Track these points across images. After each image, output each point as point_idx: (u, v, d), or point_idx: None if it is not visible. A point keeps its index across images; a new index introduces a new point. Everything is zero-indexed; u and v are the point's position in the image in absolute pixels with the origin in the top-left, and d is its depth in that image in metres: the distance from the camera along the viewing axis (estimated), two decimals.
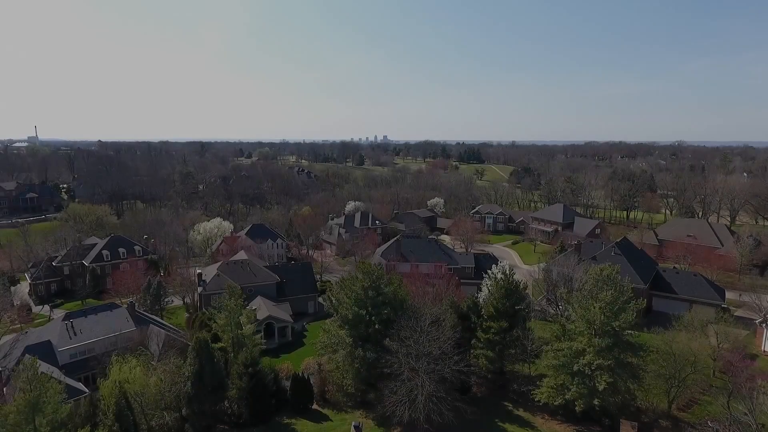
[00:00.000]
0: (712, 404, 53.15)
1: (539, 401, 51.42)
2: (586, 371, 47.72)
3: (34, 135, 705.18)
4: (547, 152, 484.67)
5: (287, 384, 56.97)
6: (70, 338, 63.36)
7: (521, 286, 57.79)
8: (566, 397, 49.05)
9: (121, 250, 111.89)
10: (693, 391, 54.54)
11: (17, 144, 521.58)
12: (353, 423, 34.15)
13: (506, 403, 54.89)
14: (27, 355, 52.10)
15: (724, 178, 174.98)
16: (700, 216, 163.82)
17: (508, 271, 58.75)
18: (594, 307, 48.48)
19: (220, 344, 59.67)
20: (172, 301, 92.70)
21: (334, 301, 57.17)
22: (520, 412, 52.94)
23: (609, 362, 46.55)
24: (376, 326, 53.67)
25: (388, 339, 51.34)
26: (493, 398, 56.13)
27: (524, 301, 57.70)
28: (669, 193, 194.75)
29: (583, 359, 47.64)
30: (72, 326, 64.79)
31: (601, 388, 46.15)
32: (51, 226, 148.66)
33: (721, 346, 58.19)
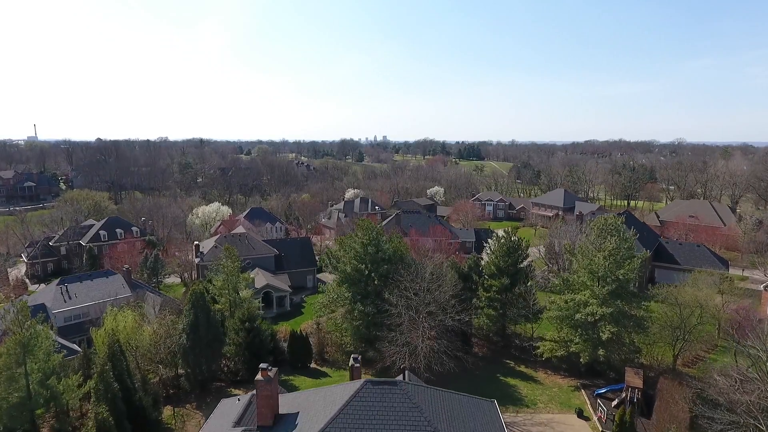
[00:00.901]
0: (718, 361, 52.19)
1: (542, 356, 50.38)
2: (589, 320, 46.81)
3: (34, 135, 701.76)
4: (546, 150, 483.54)
5: (285, 345, 56.00)
6: (65, 301, 62.48)
7: (523, 244, 56.79)
8: (570, 349, 48.09)
9: (119, 230, 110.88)
10: (698, 348, 53.61)
11: (16, 142, 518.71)
12: (352, 355, 33.18)
13: (508, 361, 53.93)
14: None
15: (725, 164, 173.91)
16: None
17: (509, 231, 57.74)
18: (598, 257, 47.60)
19: (217, 306, 58.63)
20: (169, 276, 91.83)
21: (332, 260, 56.22)
22: (522, 369, 52.00)
23: (612, 310, 45.56)
24: (376, 282, 52.81)
25: (387, 293, 50.38)
26: (495, 357, 55.17)
27: (526, 260, 56.71)
28: (670, 186, 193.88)
29: (586, 309, 46.70)
30: (67, 290, 63.93)
31: (605, 337, 45.18)
32: (49, 212, 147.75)
33: (725, 306, 57.20)
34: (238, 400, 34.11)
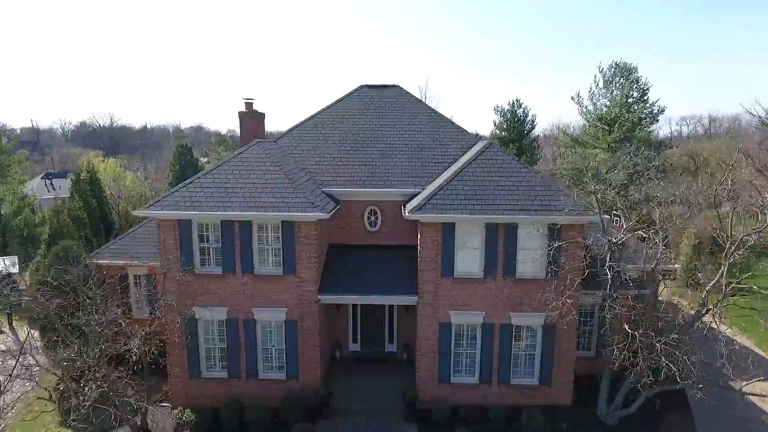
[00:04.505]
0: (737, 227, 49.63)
1: None
2: (601, 172, 44.05)
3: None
4: (546, 141, 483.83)
5: None
6: (48, 192, 59.92)
7: (530, 117, 53.97)
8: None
9: None
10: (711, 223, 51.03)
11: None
12: None
13: None
14: None
15: (731, 117, 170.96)
16: None
17: (515, 102, 54.59)
18: (606, 105, 44.98)
19: None
20: None
21: None
22: None
23: (625, 157, 42.78)
24: None
25: None
26: None
27: (532, 132, 53.87)
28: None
29: (597, 158, 44.01)
30: (51, 183, 61.45)
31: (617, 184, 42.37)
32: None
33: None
34: None
